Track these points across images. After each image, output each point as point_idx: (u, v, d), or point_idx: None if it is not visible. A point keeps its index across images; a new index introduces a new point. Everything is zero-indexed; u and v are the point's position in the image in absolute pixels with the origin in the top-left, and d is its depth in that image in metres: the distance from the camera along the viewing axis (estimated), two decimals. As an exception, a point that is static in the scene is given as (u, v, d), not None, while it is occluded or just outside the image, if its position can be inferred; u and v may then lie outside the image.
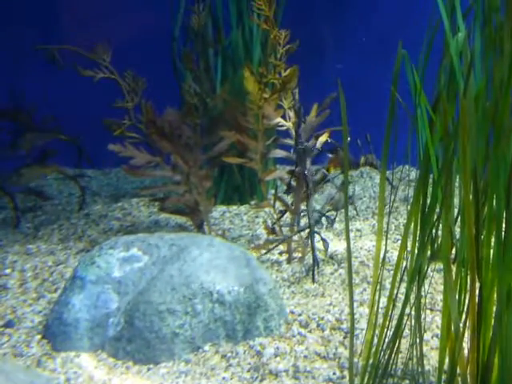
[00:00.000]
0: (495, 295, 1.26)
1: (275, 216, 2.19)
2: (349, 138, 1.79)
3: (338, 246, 2.19)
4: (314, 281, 1.96)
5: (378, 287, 1.39)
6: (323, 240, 2.02)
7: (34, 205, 2.77)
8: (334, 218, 2.12)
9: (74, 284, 1.69)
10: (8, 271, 2.07)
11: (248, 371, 1.48)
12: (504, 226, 1.23)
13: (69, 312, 1.63)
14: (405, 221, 2.44)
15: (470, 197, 1.27)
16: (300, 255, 2.11)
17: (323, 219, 2.13)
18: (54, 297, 1.84)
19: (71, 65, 2.25)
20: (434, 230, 1.74)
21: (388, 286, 1.81)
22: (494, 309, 1.27)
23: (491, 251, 1.27)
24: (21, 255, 2.21)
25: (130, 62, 2.34)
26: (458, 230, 1.93)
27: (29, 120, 2.67)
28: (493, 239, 1.27)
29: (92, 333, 1.60)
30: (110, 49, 2.29)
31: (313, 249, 1.99)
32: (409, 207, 2.48)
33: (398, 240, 2.30)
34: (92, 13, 2.70)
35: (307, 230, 2.05)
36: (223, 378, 1.45)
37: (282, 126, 2.10)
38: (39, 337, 1.65)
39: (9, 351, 1.58)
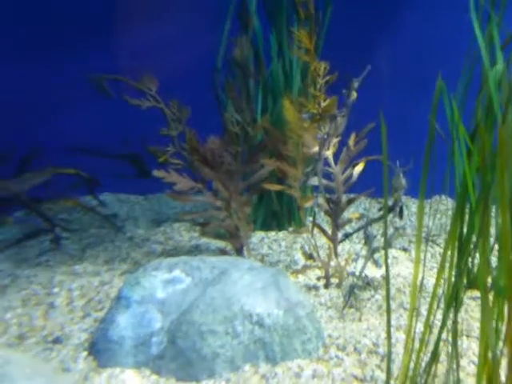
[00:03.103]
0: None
1: (313, 242, 2.20)
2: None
3: (374, 272, 2.18)
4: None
5: (415, 313, 1.40)
6: None
7: (80, 227, 2.83)
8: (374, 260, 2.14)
9: (119, 303, 1.72)
10: (56, 290, 2.11)
11: (287, 391, 1.49)
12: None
13: (114, 330, 1.65)
14: (440, 249, 2.43)
15: (508, 226, 1.27)
16: (337, 281, 2.12)
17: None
18: (100, 315, 1.86)
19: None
20: (470, 259, 1.74)
21: (423, 312, 1.80)
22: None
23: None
24: (68, 275, 2.25)
25: (174, 91, 2.39)
26: (493, 258, 1.93)
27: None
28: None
29: (136, 350, 1.62)
30: (157, 79, 2.35)
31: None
32: (445, 236, 2.47)
33: (433, 268, 2.29)
34: (141, 46, 2.77)
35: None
36: (262, 398, 1.47)
37: (320, 154, 2.13)
38: (85, 353, 1.67)
39: (57, 366, 1.60)
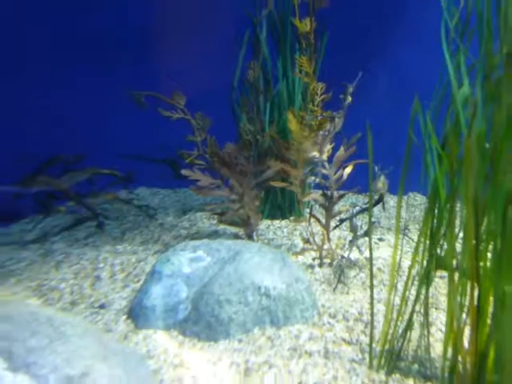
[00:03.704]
0: (491, 298, 1.24)
1: (310, 229, 2.20)
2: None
3: (359, 255, 2.17)
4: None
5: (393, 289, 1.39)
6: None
7: (121, 215, 2.83)
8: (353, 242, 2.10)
9: (153, 277, 1.72)
10: (101, 265, 2.11)
11: (288, 350, 1.47)
12: (499, 242, 1.22)
13: (148, 299, 1.66)
14: (413, 236, 2.42)
15: (471, 219, 1.26)
16: (329, 261, 2.11)
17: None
18: (137, 286, 1.87)
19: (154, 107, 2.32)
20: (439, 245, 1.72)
21: (400, 288, 1.80)
22: (490, 309, 1.25)
23: (488, 263, 1.25)
24: (111, 253, 2.25)
25: (199, 106, 2.39)
26: (458, 245, 1.91)
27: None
28: (489, 253, 1.25)
29: (166, 315, 1.62)
30: (185, 96, 2.35)
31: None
32: (417, 226, 2.45)
33: (407, 252, 2.27)
34: (173, 68, 2.77)
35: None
36: (268, 355, 1.45)
37: (317, 158, 2.12)
38: (125, 317, 1.68)
39: (102, 327, 1.61)
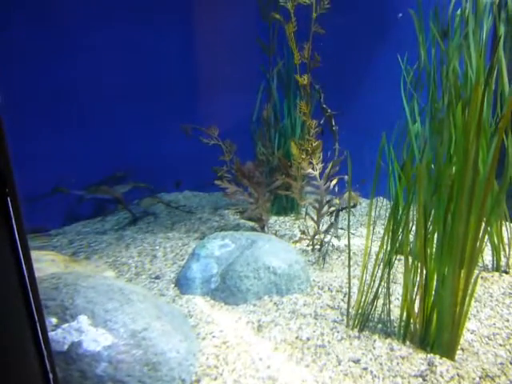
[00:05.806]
0: (435, 277, 1.23)
1: (305, 224, 2.18)
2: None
3: (339, 243, 2.16)
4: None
5: (365, 268, 1.38)
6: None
7: (171, 211, 2.84)
8: (333, 231, 2.09)
9: (193, 257, 1.73)
10: (157, 247, 2.11)
11: (289, 313, 1.48)
12: (440, 237, 1.21)
13: (190, 273, 1.67)
14: (379, 229, 2.39)
15: (422, 220, 1.25)
16: (319, 247, 2.10)
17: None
18: (182, 263, 1.88)
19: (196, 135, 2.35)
20: (399, 237, 1.70)
21: (370, 267, 1.77)
22: (434, 285, 1.24)
23: (433, 251, 1.24)
24: (164, 239, 2.25)
25: (228, 135, 2.40)
26: (411, 237, 1.89)
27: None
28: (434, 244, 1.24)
29: (202, 285, 1.63)
30: (218, 128, 2.37)
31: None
32: (382, 221, 2.42)
33: (374, 240, 2.24)
34: (211, 109, 2.79)
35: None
36: (274, 316, 1.45)
37: (311, 174, 2.11)
38: (173, 285, 1.69)
39: (157, 292, 1.62)
